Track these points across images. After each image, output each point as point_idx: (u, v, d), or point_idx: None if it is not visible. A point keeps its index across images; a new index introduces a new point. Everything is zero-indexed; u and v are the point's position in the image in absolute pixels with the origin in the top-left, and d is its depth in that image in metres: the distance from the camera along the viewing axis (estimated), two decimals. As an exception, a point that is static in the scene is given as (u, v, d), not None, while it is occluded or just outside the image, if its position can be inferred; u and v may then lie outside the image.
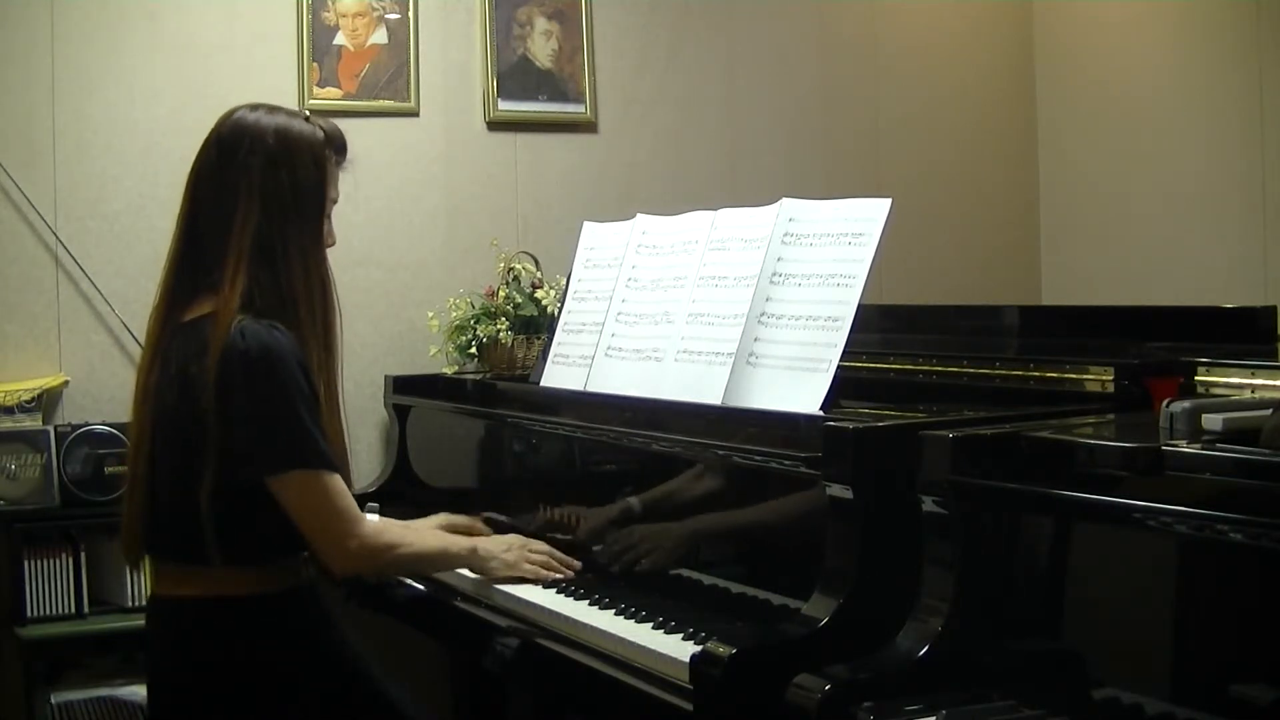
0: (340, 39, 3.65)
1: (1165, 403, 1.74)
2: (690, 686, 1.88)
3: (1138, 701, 1.54)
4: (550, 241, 3.67)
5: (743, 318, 2.31)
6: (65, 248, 3.39)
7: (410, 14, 3.70)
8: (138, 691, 3.15)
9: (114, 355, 3.44)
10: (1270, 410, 1.58)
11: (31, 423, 3.25)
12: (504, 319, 3.33)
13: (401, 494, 3.27)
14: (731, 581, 2.19)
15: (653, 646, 2.03)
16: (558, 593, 2.37)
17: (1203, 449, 1.56)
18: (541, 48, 3.85)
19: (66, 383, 3.39)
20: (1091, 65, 4.36)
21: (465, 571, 2.57)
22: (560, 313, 2.91)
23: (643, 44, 4.01)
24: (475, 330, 3.37)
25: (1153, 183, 4.14)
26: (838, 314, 2.17)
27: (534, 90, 3.85)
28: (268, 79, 3.56)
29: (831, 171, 4.21)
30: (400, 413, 3.43)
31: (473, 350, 3.39)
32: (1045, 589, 1.70)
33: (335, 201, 2.25)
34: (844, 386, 2.17)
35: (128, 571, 3.22)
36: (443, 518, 2.68)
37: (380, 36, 3.68)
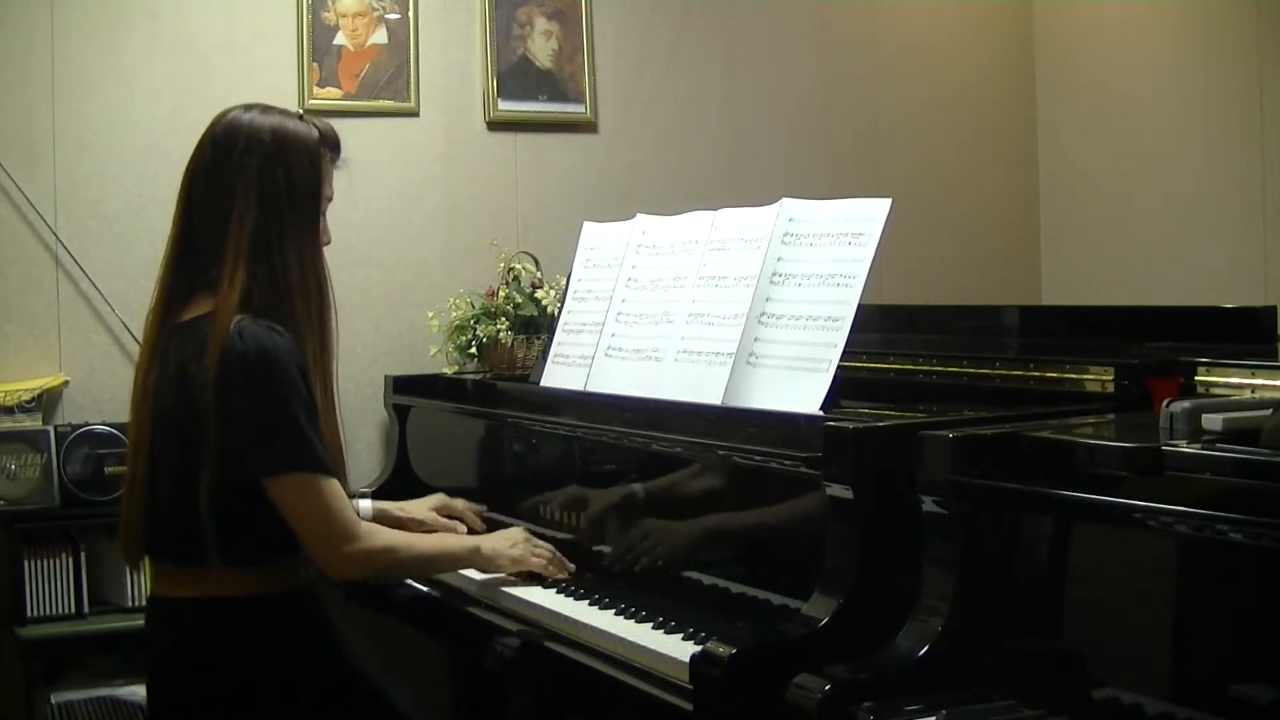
0: (340, 39, 3.65)
1: (1165, 403, 1.74)
2: (690, 686, 1.88)
3: (1138, 701, 1.54)
4: (550, 241, 3.67)
5: (743, 318, 2.31)
6: (65, 248, 3.39)
7: (410, 14, 3.70)
8: (138, 691, 3.15)
9: (114, 355, 3.44)
10: (1270, 410, 1.58)
11: (31, 423, 3.25)
12: (504, 319, 3.33)
13: (402, 494, 3.27)
14: (731, 581, 2.19)
15: (653, 646, 2.03)
16: (558, 593, 2.37)
17: (1203, 449, 1.56)
18: (541, 48, 3.85)
19: (66, 383, 3.39)
20: (1091, 65, 4.36)
21: (466, 571, 2.57)
22: (560, 313, 2.91)
23: (643, 44, 4.01)
24: (475, 330, 3.37)
25: (1153, 183, 4.14)
26: (838, 314, 2.17)
27: (534, 90, 3.85)
28: (268, 79, 3.56)
29: (831, 171, 4.21)
30: (400, 413, 3.43)
31: (473, 350, 3.39)
32: (1045, 589, 1.70)
33: (330, 199, 2.26)
34: (844, 386, 2.17)
35: (128, 571, 3.21)
36: (438, 499, 2.69)
37: (380, 36, 3.68)
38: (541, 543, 2.50)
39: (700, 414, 2.31)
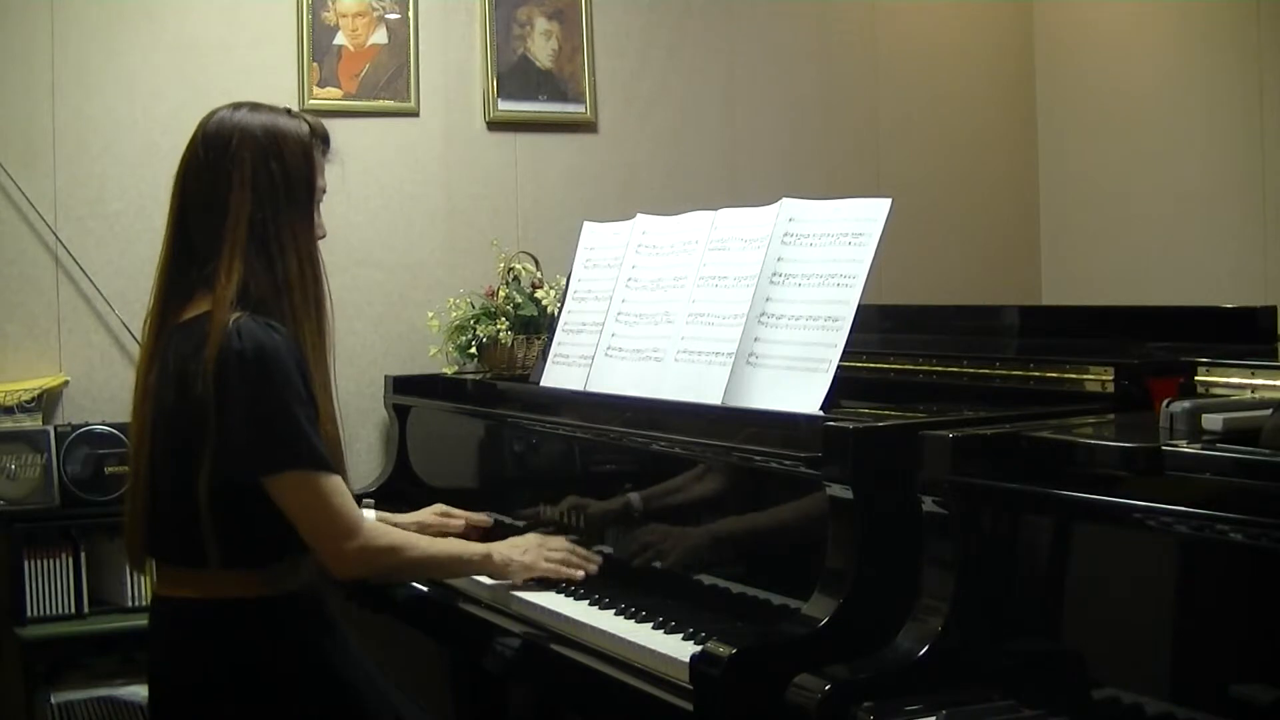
0: (340, 39, 3.65)
1: (1165, 403, 1.74)
2: (690, 686, 1.88)
3: (1138, 701, 1.54)
4: (550, 241, 3.68)
5: (743, 318, 2.31)
6: (65, 248, 3.39)
7: (410, 14, 3.70)
8: (138, 691, 3.15)
9: (114, 355, 3.44)
10: (1270, 410, 1.58)
11: (31, 423, 3.25)
12: (504, 319, 3.34)
13: (402, 494, 3.27)
14: (731, 581, 2.19)
15: (653, 646, 2.03)
16: (558, 593, 2.37)
17: (1203, 449, 1.56)
18: (541, 48, 3.85)
19: (66, 383, 3.39)
20: (1091, 65, 4.36)
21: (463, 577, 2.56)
22: (560, 313, 2.91)
23: (643, 44, 4.01)
24: (475, 330, 3.37)
25: (1153, 183, 4.14)
26: (838, 314, 2.17)
27: (534, 90, 3.85)
28: (268, 79, 3.56)
29: (831, 171, 4.21)
30: (400, 413, 3.43)
31: (473, 350, 3.39)
32: (1045, 589, 1.70)
33: (324, 192, 2.26)
34: (844, 386, 2.17)
35: (128, 571, 3.22)
36: (439, 509, 2.68)
37: (380, 36, 3.68)
38: (558, 541, 2.47)
39: (700, 414, 2.31)
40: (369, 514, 2.46)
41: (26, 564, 3.15)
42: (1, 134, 3.35)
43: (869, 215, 2.22)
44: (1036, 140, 4.54)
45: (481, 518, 2.74)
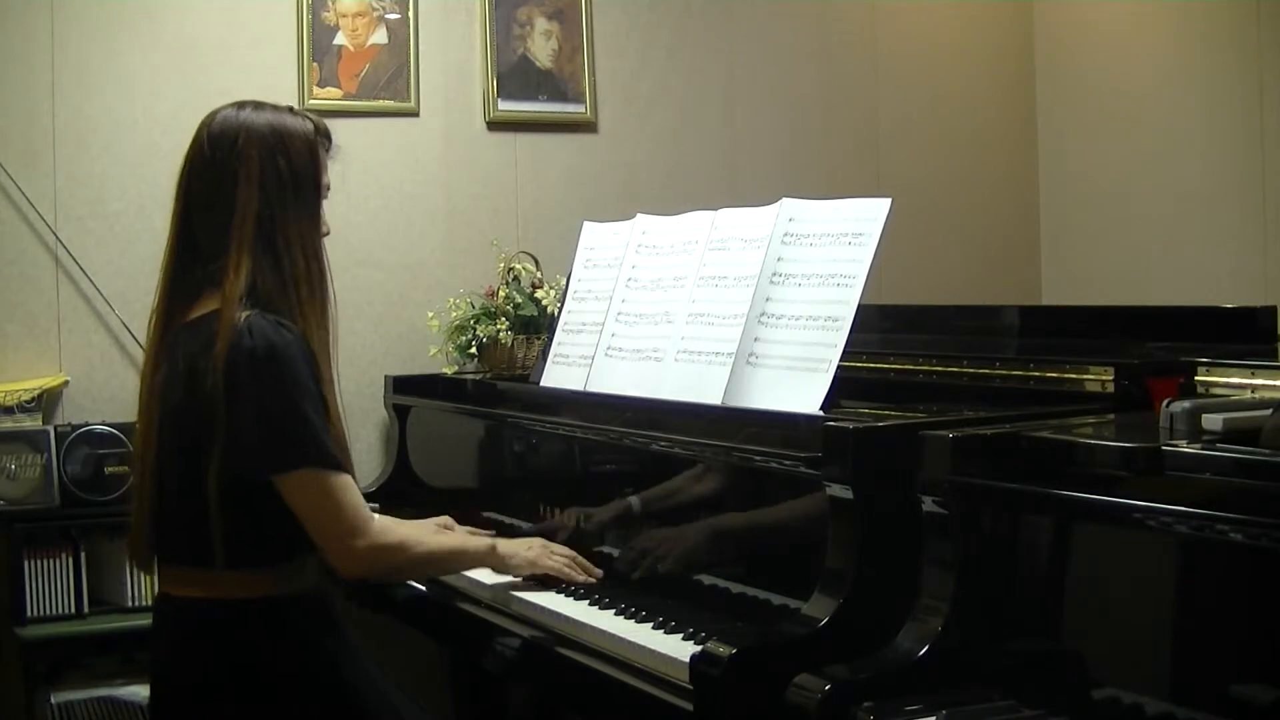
0: (340, 39, 3.65)
1: (1165, 403, 1.74)
2: (690, 686, 1.88)
3: (1138, 701, 1.54)
4: (550, 241, 3.68)
5: (743, 318, 2.31)
6: (65, 248, 3.39)
7: (410, 14, 3.70)
8: (138, 691, 3.15)
9: (114, 355, 3.44)
10: (1270, 410, 1.58)
11: (31, 423, 3.25)
12: (504, 319, 3.34)
13: (402, 494, 3.27)
14: (731, 581, 2.19)
15: (653, 646, 2.03)
16: (558, 593, 2.37)
17: (1203, 449, 1.56)
18: (541, 48, 3.85)
19: (66, 383, 3.39)
20: (1091, 65, 4.36)
21: (471, 571, 2.56)
22: (560, 313, 2.91)
23: (643, 44, 4.01)
24: (475, 330, 3.37)
25: (1153, 183, 4.14)
26: (838, 314, 2.17)
27: (534, 90, 3.85)
28: (268, 79, 3.56)
29: (831, 171, 4.21)
30: (400, 413, 3.43)
31: (473, 350, 3.39)
32: (1045, 589, 1.70)
33: (329, 189, 2.27)
34: (844, 386, 2.17)
35: (128, 571, 3.22)
36: (444, 521, 2.67)
37: (380, 36, 3.69)
38: (560, 548, 2.47)
39: (700, 414, 2.31)
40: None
41: (26, 564, 3.15)
42: (1, 134, 3.35)
43: (869, 215, 2.22)
44: (1036, 140, 4.54)
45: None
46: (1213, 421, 1.64)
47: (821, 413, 2.09)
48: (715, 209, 2.54)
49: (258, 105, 2.24)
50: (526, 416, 2.86)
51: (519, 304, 3.37)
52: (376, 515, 2.45)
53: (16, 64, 3.37)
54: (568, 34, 3.88)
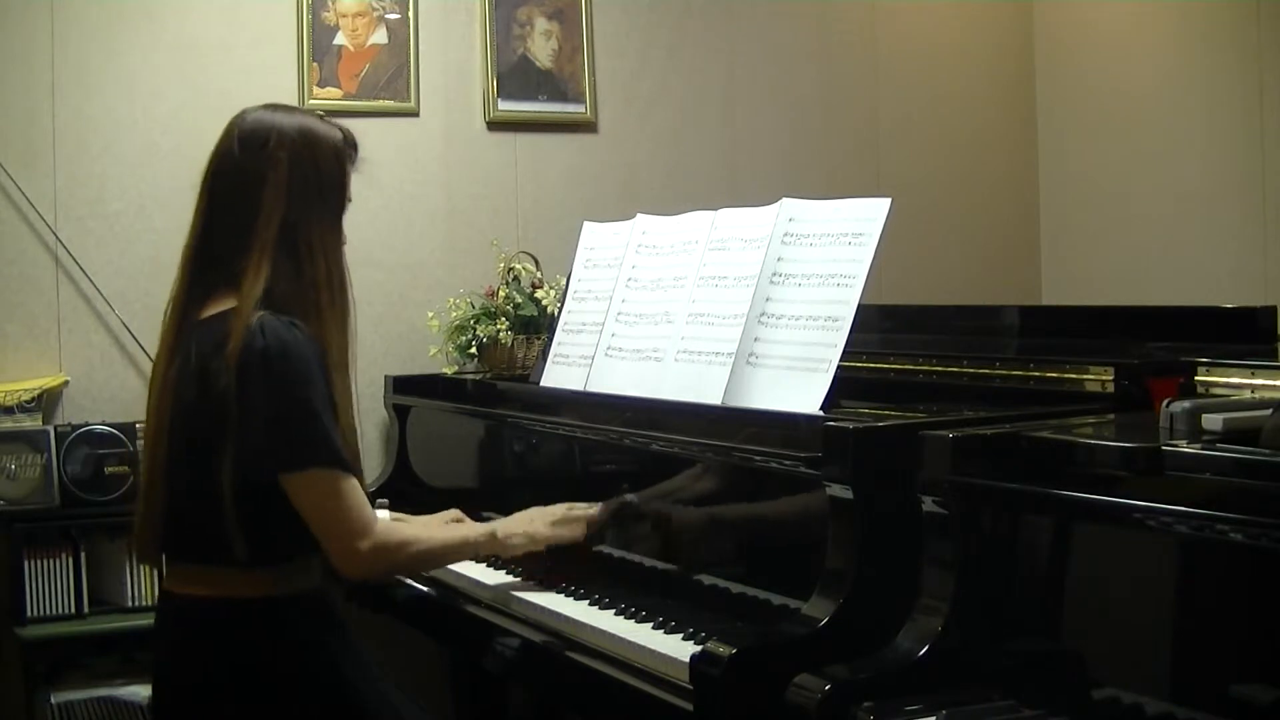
0: (340, 39, 3.65)
1: (1165, 403, 1.74)
2: (690, 686, 1.88)
3: (1138, 701, 1.54)
4: (550, 241, 3.68)
5: (743, 318, 2.31)
6: (65, 248, 3.39)
7: (410, 14, 3.70)
8: (138, 691, 3.15)
9: (114, 355, 3.44)
10: (1270, 410, 1.58)
11: (31, 423, 3.25)
12: (504, 319, 3.34)
13: (402, 494, 3.27)
14: (731, 581, 2.19)
15: (653, 646, 2.03)
16: (558, 593, 2.37)
17: (1203, 449, 1.56)
18: (541, 48, 3.85)
19: (66, 383, 3.39)
20: (1091, 65, 4.36)
21: (465, 570, 2.56)
22: (560, 313, 2.91)
23: (643, 44, 4.01)
24: (475, 330, 3.37)
25: (1153, 183, 4.14)
26: (838, 314, 2.17)
27: (534, 90, 3.85)
28: (268, 79, 3.56)
29: (831, 171, 4.21)
30: (400, 413, 3.43)
31: (473, 350, 3.39)
32: (1045, 589, 1.70)
33: (350, 201, 2.27)
34: (844, 386, 2.17)
35: (128, 571, 3.22)
36: (453, 514, 2.68)
37: (380, 36, 3.69)
38: (555, 508, 2.44)
39: (700, 414, 2.31)
40: (383, 514, 2.46)
41: (26, 564, 3.15)
42: (1, 134, 3.35)
43: (869, 215, 2.22)
44: (1036, 140, 4.54)
45: None
46: (1213, 421, 1.64)
47: (821, 413, 2.09)
48: (715, 209, 2.54)
49: (289, 109, 2.25)
50: (526, 416, 2.86)
51: (519, 304, 3.37)
52: (387, 514, 2.46)
53: (16, 64, 3.37)
54: (568, 34, 3.88)
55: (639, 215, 2.77)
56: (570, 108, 3.89)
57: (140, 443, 2.78)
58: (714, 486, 2.27)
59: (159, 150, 3.48)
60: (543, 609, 2.32)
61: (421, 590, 2.69)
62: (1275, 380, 1.90)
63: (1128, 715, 1.55)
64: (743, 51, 4.14)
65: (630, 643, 2.08)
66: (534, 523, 2.42)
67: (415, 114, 3.74)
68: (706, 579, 2.24)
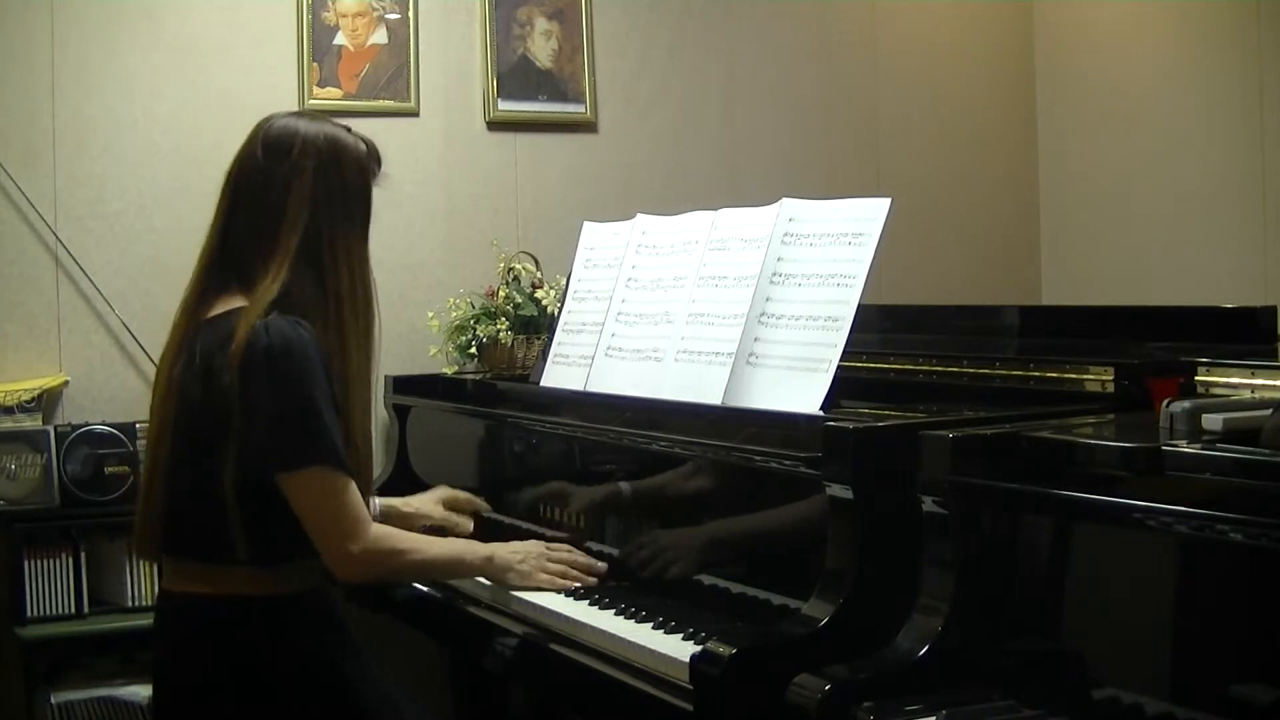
0: (340, 39, 3.65)
1: (1165, 403, 1.74)
2: (690, 686, 1.88)
3: (1138, 701, 1.54)
4: (550, 241, 3.68)
5: (743, 318, 2.31)
6: (65, 248, 3.39)
7: (410, 14, 3.70)
8: (138, 691, 3.15)
9: (114, 355, 3.44)
10: (1270, 410, 1.58)
11: (31, 423, 3.25)
12: (504, 319, 3.34)
13: (402, 494, 3.26)
14: (731, 581, 2.19)
15: (653, 646, 2.03)
16: (558, 593, 2.37)
17: (1203, 449, 1.56)
18: (541, 48, 3.85)
19: (66, 383, 3.39)
20: (1091, 65, 4.36)
21: (464, 580, 2.56)
22: (560, 313, 2.91)
23: (643, 44, 4.01)
24: (475, 330, 3.37)
25: (1153, 183, 4.14)
26: (838, 314, 2.17)
27: (534, 90, 3.85)
28: (268, 79, 3.56)
29: (831, 171, 4.21)
30: (400, 413, 3.43)
31: (473, 350, 3.39)
32: (1045, 589, 1.70)
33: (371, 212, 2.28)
34: (844, 386, 2.17)
35: (128, 571, 3.22)
36: (443, 490, 2.68)
37: (380, 36, 3.68)
38: (561, 551, 2.44)
39: (700, 414, 2.31)
40: (373, 501, 2.47)
41: (26, 564, 3.15)
42: (1, 134, 3.35)
43: (869, 215, 2.22)
44: (1036, 140, 4.54)
45: (481, 505, 2.75)
46: (1213, 421, 1.64)
47: (821, 413, 2.09)
48: (715, 209, 2.54)
49: (314, 116, 2.26)
50: (526, 416, 2.86)
51: (519, 304, 3.37)
52: (377, 502, 2.46)
53: (16, 64, 3.37)
54: (568, 34, 3.88)
55: (639, 215, 2.77)
56: (570, 108, 3.89)
57: (141, 442, 2.78)
58: (714, 487, 2.27)
59: (159, 150, 3.48)
60: (543, 609, 2.32)
61: (421, 590, 2.68)
62: (1275, 380, 1.90)
63: (1128, 715, 1.55)
64: (743, 51, 4.14)
65: (630, 643, 2.08)
66: (530, 562, 2.40)
67: (415, 114, 3.74)
68: (706, 579, 2.24)
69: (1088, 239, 4.36)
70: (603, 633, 2.15)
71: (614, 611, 2.23)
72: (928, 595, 1.76)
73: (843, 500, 1.90)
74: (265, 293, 2.10)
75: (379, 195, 3.69)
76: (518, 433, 2.89)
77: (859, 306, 2.16)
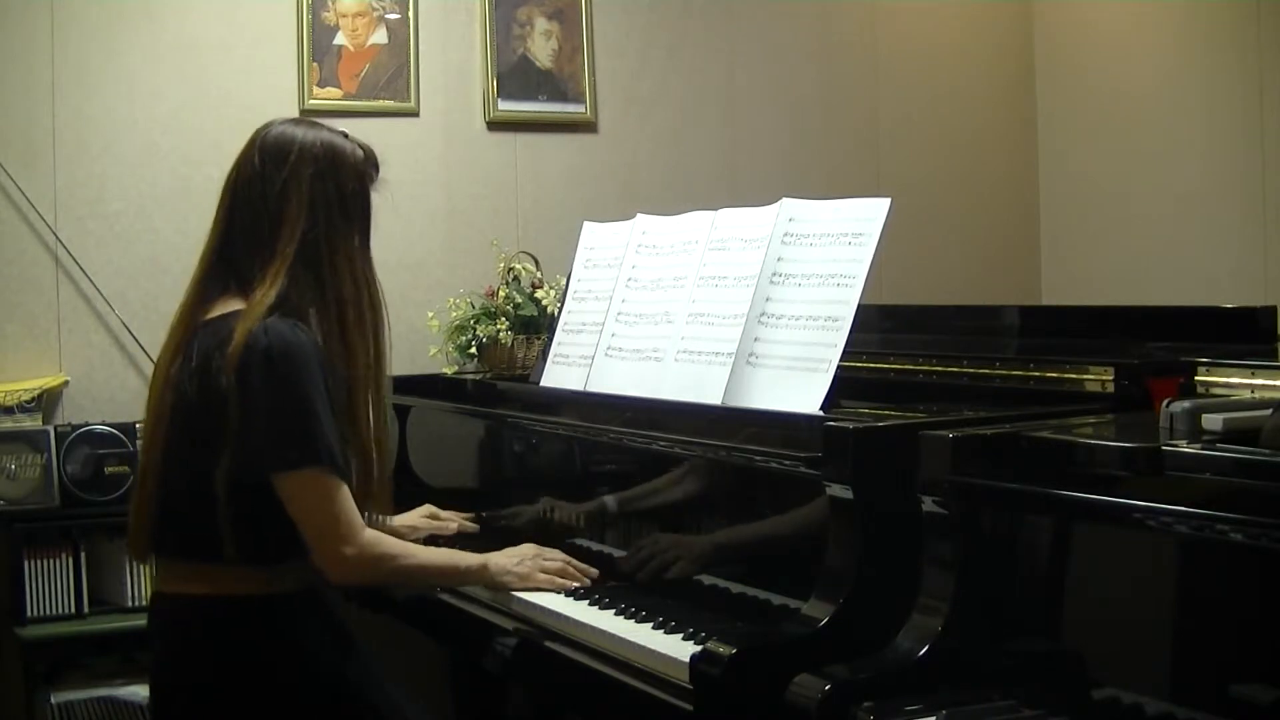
0: (340, 39, 3.65)
1: (1165, 403, 1.74)
2: (690, 686, 1.88)
3: (1138, 701, 1.54)
4: (550, 241, 3.68)
5: (743, 318, 2.31)
6: (65, 248, 3.40)
7: (410, 14, 3.71)
8: (138, 691, 3.15)
9: (114, 355, 3.44)
10: (1270, 410, 1.58)
11: (31, 423, 3.25)
12: (504, 319, 3.34)
13: (402, 493, 3.27)
14: (731, 581, 2.19)
15: (653, 646, 2.03)
16: (558, 592, 2.37)
17: (1203, 449, 1.56)
18: (541, 48, 3.86)
19: (66, 383, 3.39)
20: (1091, 65, 4.36)
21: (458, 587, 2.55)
22: (560, 313, 2.91)
23: (643, 44, 4.01)
24: (475, 330, 3.37)
25: (1153, 183, 4.14)
26: (838, 314, 2.17)
27: (534, 90, 3.85)
28: (268, 79, 3.56)
29: (831, 171, 4.21)
30: (400, 413, 3.43)
31: (473, 350, 3.39)
32: (1045, 589, 1.70)
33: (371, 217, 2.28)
34: (844, 386, 2.17)
35: (128, 571, 3.22)
36: (427, 509, 2.68)
37: (380, 36, 3.69)
38: (554, 553, 2.45)
39: (700, 414, 2.30)
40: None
41: (26, 564, 3.15)
42: (1, 134, 3.35)
43: (869, 215, 2.22)
44: (1036, 140, 4.54)
45: (469, 525, 2.73)
46: (1213, 421, 1.64)
47: (821, 413, 2.09)
48: (715, 209, 2.54)
49: (312, 124, 2.26)
50: (526, 416, 2.86)
51: (519, 304, 3.37)
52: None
53: (16, 64, 3.37)
54: (568, 34, 3.88)
55: (639, 215, 2.77)
56: (570, 108, 3.89)
57: (141, 442, 2.77)
58: (714, 487, 2.27)
59: (159, 150, 3.48)
60: (542, 609, 2.32)
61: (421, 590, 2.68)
62: (1275, 380, 1.90)
63: (1128, 715, 1.55)
64: (743, 51, 4.14)
65: (630, 643, 2.07)
66: (527, 564, 2.40)
67: (415, 114, 3.74)
68: (706, 579, 2.24)
69: (1088, 239, 4.36)
70: (603, 633, 2.15)
71: (614, 611, 2.23)
72: (928, 595, 1.76)
73: (843, 500, 1.90)
74: (264, 296, 2.10)
75: (379, 195, 3.72)
76: (518, 433, 2.89)
77: (859, 306, 2.16)
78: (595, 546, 2.51)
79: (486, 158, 3.83)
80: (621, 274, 2.70)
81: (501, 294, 3.43)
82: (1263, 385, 1.90)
